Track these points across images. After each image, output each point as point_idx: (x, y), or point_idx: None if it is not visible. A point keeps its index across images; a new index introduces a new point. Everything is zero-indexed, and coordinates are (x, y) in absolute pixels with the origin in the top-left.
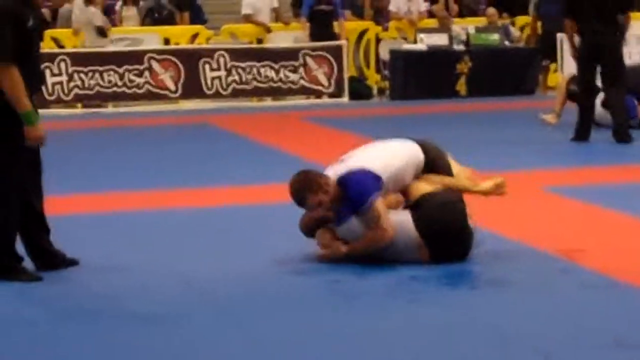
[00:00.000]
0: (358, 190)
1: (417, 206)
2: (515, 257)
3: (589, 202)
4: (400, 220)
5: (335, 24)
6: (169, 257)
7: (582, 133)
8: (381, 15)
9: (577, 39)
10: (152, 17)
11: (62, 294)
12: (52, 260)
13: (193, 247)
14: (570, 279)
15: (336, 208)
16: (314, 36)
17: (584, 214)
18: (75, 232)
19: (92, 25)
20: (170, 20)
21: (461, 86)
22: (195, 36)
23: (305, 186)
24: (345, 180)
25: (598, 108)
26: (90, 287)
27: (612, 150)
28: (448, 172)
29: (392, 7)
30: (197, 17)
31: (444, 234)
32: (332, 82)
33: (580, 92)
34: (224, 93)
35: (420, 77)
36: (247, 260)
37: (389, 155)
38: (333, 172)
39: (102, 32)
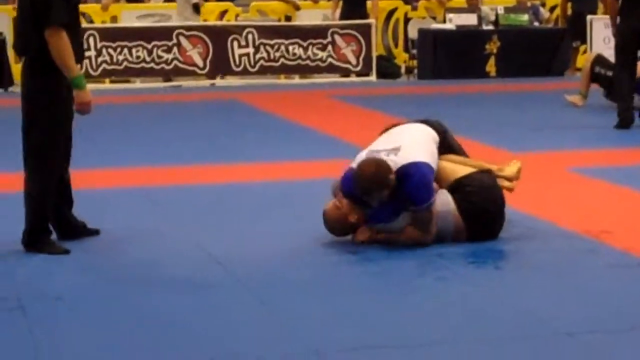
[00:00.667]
0: (421, 188)
1: (457, 189)
2: (542, 237)
3: (615, 183)
4: (441, 203)
5: (368, 3)
6: (197, 231)
7: (626, 118)
8: None
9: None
10: None
11: (90, 263)
12: (73, 230)
13: (220, 223)
14: (598, 259)
15: (385, 201)
16: (344, 16)
17: (610, 195)
18: (104, 205)
19: (189, 1)
20: None
21: (490, 66)
22: (224, 13)
23: (377, 182)
24: (407, 176)
25: None
26: (117, 257)
27: (637, 132)
28: (461, 151)
29: None
30: None
31: (486, 218)
32: (360, 60)
33: (619, 75)
34: (252, 70)
35: (448, 57)
36: (275, 237)
37: (426, 142)
38: (389, 161)
39: (197, 9)
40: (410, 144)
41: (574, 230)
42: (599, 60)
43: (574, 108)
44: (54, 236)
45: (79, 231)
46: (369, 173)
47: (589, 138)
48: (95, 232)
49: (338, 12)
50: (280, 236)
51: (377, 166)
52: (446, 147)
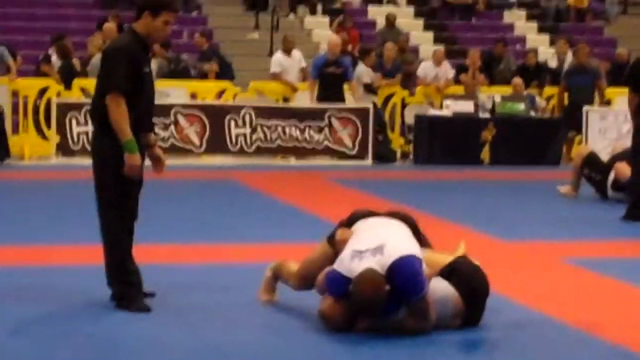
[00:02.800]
0: (411, 281)
1: (451, 275)
2: (533, 327)
3: (608, 275)
4: (440, 289)
5: (345, 86)
6: (186, 311)
7: (635, 212)
8: (409, 80)
9: None
10: (168, 68)
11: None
12: None
13: (214, 303)
14: (588, 351)
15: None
16: (320, 98)
17: (603, 287)
18: (88, 280)
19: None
20: (185, 74)
21: (485, 154)
22: (222, 92)
23: (377, 301)
24: (397, 272)
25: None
26: (95, 333)
27: (631, 224)
28: (428, 244)
29: (420, 73)
30: (225, 73)
31: (484, 299)
32: (357, 144)
33: (637, 169)
34: (248, 150)
35: (444, 143)
36: (264, 319)
37: (408, 235)
38: (375, 263)
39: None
40: (393, 239)
41: (566, 321)
42: (590, 161)
43: (567, 199)
44: None
45: None
46: (368, 297)
47: (584, 229)
48: (150, 295)
49: (315, 93)
50: (270, 317)
51: (373, 287)
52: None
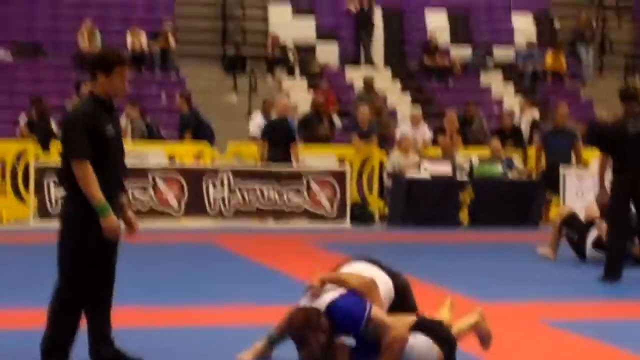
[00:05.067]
0: (347, 315)
1: (423, 329)
2: None
3: (587, 337)
4: (419, 342)
5: (291, 146)
6: None
7: (613, 270)
8: (386, 142)
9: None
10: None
11: None
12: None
13: None
14: None
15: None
16: (270, 157)
17: (582, 349)
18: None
19: None
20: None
21: (463, 216)
22: (199, 154)
23: (306, 323)
24: (332, 310)
25: (589, 245)
26: None
27: (609, 285)
28: (414, 308)
29: (397, 134)
30: (205, 136)
31: (454, 352)
32: (335, 206)
33: (613, 229)
34: (227, 213)
35: (422, 205)
36: None
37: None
38: (316, 305)
39: None
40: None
41: None
42: (568, 221)
43: (546, 260)
44: None
45: (117, 358)
46: (297, 318)
47: (562, 290)
48: None
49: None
50: None
51: (306, 311)
52: (404, 305)
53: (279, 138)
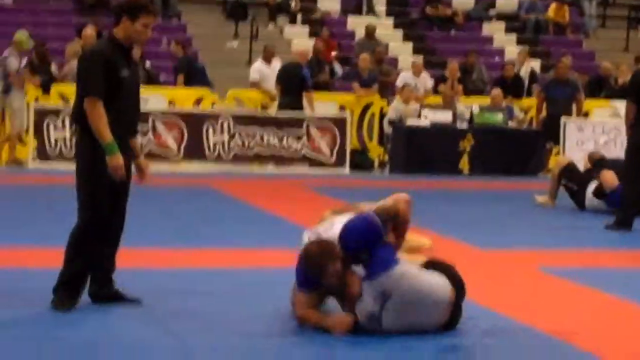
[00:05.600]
0: (360, 234)
1: (435, 269)
2: (509, 335)
3: (584, 284)
4: (433, 279)
5: (304, 94)
6: (167, 317)
7: (626, 220)
8: (386, 90)
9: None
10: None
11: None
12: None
13: (190, 308)
14: (563, 359)
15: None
16: (283, 106)
17: (579, 296)
18: None
19: None
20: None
21: (463, 164)
22: (200, 100)
23: (325, 254)
24: (345, 233)
25: (589, 195)
26: (69, 338)
27: (608, 234)
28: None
29: (399, 83)
30: (199, 81)
31: (464, 295)
32: (335, 152)
33: (629, 179)
34: (226, 157)
35: (422, 153)
36: (241, 324)
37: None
38: (327, 237)
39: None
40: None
41: (542, 329)
42: (567, 171)
43: (544, 208)
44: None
45: (113, 299)
46: (315, 252)
47: (561, 238)
48: (134, 301)
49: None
50: (247, 323)
51: (319, 243)
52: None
53: (292, 85)
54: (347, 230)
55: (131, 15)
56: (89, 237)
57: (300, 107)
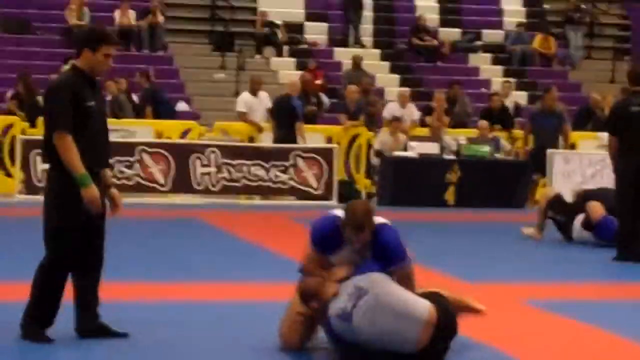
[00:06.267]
0: (398, 244)
1: (430, 298)
2: None
3: (571, 317)
4: (419, 300)
5: (296, 126)
6: (155, 350)
7: (625, 251)
8: (373, 121)
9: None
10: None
11: None
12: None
13: (178, 341)
14: None
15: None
16: (279, 139)
17: (566, 329)
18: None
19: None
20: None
21: (450, 195)
22: (187, 131)
23: (369, 214)
24: (382, 231)
25: (577, 227)
26: None
27: (595, 266)
28: None
29: (385, 114)
30: (166, 111)
31: (452, 333)
32: (322, 184)
33: (623, 213)
34: (213, 189)
35: (409, 185)
36: (232, 356)
37: None
38: None
39: None
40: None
41: None
42: (555, 203)
43: (531, 241)
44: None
45: (99, 333)
46: (361, 207)
47: (547, 271)
48: (121, 335)
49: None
50: (231, 356)
51: (367, 204)
52: None
53: (285, 117)
54: (386, 233)
55: (92, 46)
56: (56, 271)
57: (295, 140)
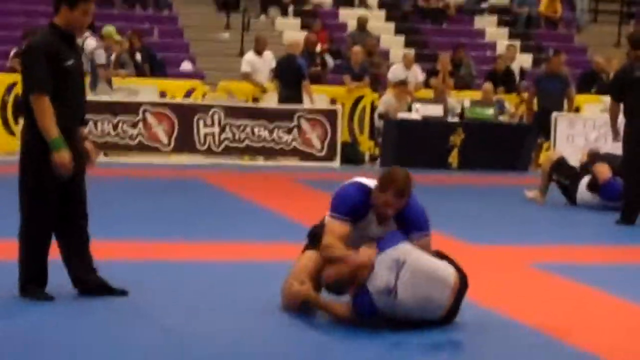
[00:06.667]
0: (423, 213)
1: (442, 258)
2: (499, 331)
3: (574, 280)
4: (440, 265)
5: (302, 85)
6: (154, 309)
7: (629, 215)
8: (378, 83)
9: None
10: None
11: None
12: (91, 289)
13: (177, 300)
14: (553, 355)
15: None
16: (283, 99)
17: (568, 291)
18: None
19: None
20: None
21: (453, 158)
22: (191, 91)
23: (410, 181)
24: (411, 199)
25: (582, 188)
26: (69, 330)
27: (599, 229)
28: None
29: (390, 75)
30: (160, 71)
31: (466, 289)
32: (325, 145)
33: (629, 177)
34: (216, 150)
35: (412, 147)
36: (233, 316)
37: None
38: None
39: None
40: None
41: (532, 325)
42: (558, 166)
43: (535, 204)
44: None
45: (99, 290)
46: (403, 173)
47: (551, 234)
48: (121, 293)
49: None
50: (239, 315)
51: (405, 170)
52: None
53: (289, 77)
54: (422, 211)
55: (70, 3)
56: (34, 232)
57: (300, 99)
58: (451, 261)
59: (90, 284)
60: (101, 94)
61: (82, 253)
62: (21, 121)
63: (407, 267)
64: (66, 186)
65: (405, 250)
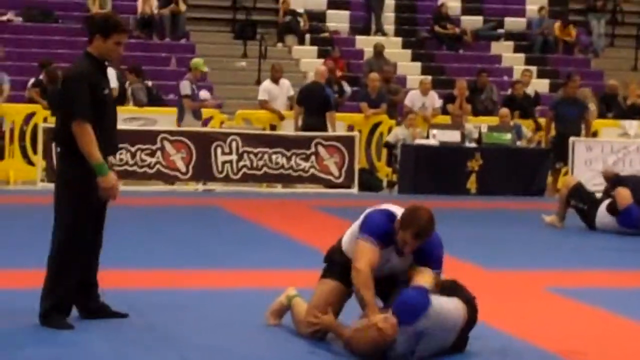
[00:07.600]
0: (441, 251)
1: (453, 290)
2: (514, 355)
3: (591, 305)
4: (451, 303)
5: (327, 114)
6: (174, 337)
7: None
8: (394, 109)
9: None
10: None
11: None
12: (96, 311)
13: (194, 328)
14: None
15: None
16: (306, 126)
17: (585, 316)
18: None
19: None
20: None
21: (471, 184)
22: (209, 119)
23: (433, 224)
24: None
25: (602, 211)
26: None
27: (616, 254)
28: None
29: (407, 102)
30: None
31: (475, 321)
32: (343, 172)
33: None
34: (235, 177)
35: (430, 173)
36: (253, 344)
37: None
38: None
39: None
40: None
41: (550, 349)
42: (576, 191)
43: (552, 229)
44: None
45: (102, 312)
46: (427, 215)
47: (568, 258)
48: (122, 315)
49: (300, 121)
50: (254, 343)
51: (428, 210)
52: None
53: (314, 105)
54: (440, 246)
55: (103, 34)
56: (69, 258)
57: (325, 128)
58: (462, 292)
59: (93, 308)
60: (187, 126)
61: (93, 280)
62: (38, 150)
63: (427, 336)
64: (95, 214)
65: (430, 320)
